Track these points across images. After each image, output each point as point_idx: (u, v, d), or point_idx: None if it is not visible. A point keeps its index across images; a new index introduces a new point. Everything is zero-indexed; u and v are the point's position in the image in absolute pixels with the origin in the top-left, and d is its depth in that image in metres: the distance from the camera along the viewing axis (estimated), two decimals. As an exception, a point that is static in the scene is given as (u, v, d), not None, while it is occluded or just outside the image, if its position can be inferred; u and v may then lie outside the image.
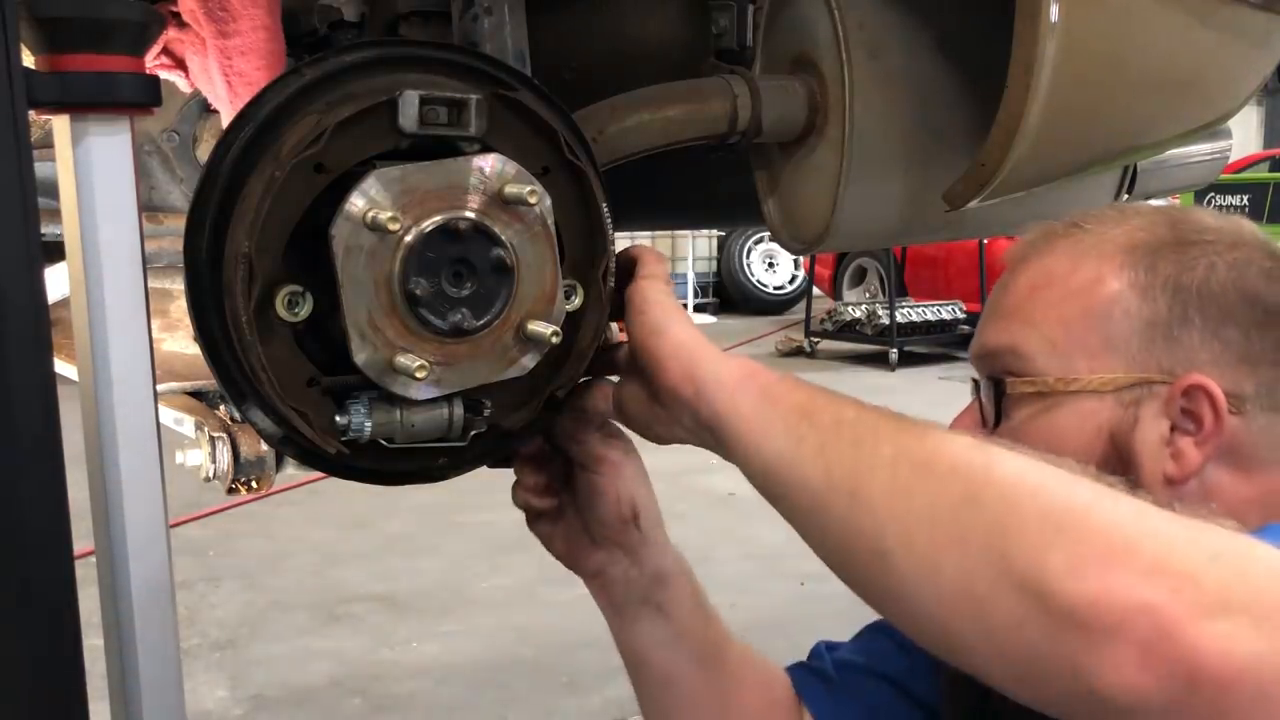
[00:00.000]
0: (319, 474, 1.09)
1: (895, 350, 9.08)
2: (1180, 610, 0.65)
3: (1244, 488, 0.96)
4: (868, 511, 0.77)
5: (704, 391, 0.88)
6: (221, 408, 1.89)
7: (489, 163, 0.89)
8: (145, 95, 0.96)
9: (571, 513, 1.11)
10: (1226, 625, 0.64)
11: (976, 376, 1.08)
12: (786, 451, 0.83)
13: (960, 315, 9.44)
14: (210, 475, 1.84)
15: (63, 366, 1.15)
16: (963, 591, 0.71)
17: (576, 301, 0.97)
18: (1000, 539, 0.70)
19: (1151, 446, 0.96)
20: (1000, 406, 1.02)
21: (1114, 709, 0.67)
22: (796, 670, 1.25)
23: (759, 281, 13.17)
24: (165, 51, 1.27)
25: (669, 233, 12.67)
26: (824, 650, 1.28)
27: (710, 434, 0.89)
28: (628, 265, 1.00)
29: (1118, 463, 0.96)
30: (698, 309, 12.80)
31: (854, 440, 0.80)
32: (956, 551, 0.72)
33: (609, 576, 1.12)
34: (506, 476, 1.09)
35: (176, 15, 1.21)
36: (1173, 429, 0.96)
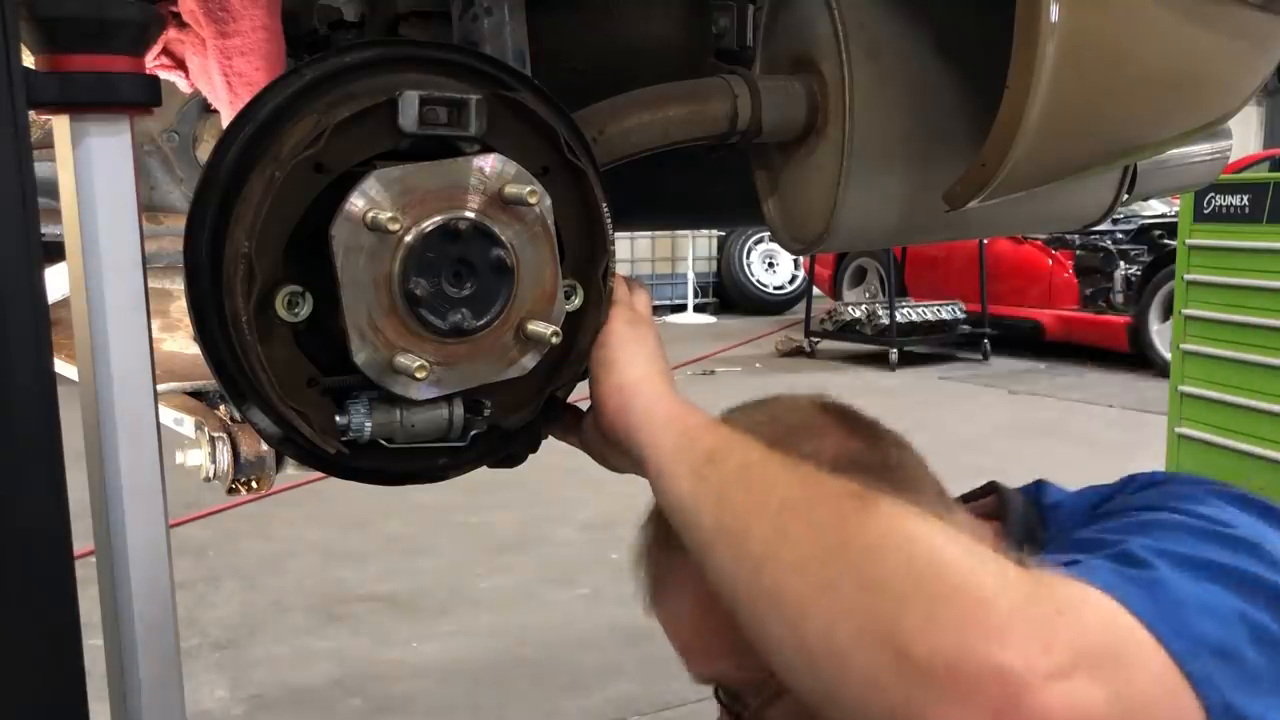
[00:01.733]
0: (319, 474, 1.09)
1: (895, 350, 9.07)
2: (1030, 675, 0.67)
3: None
4: (748, 556, 0.80)
5: (632, 433, 0.93)
6: (221, 408, 1.89)
7: (489, 163, 0.89)
8: (145, 95, 0.96)
9: None
10: (1071, 685, 0.67)
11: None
12: (689, 492, 0.86)
13: (960, 315, 9.44)
14: (210, 475, 1.84)
15: (63, 366, 1.15)
16: (825, 642, 0.73)
17: (576, 301, 0.98)
18: (863, 593, 0.72)
19: None
20: None
21: None
22: None
23: (759, 281, 13.16)
24: (165, 51, 1.27)
25: (669, 233, 12.67)
26: None
27: (641, 471, 0.93)
28: None
29: None
30: (698, 309, 12.79)
31: (748, 487, 0.83)
32: (823, 602, 0.74)
33: None
34: (506, 476, 1.09)
35: (176, 15, 1.21)
36: None
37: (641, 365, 0.96)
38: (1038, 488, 1.07)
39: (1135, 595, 0.73)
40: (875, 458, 1.02)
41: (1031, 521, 1.02)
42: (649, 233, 11.72)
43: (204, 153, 1.98)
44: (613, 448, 0.97)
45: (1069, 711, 0.67)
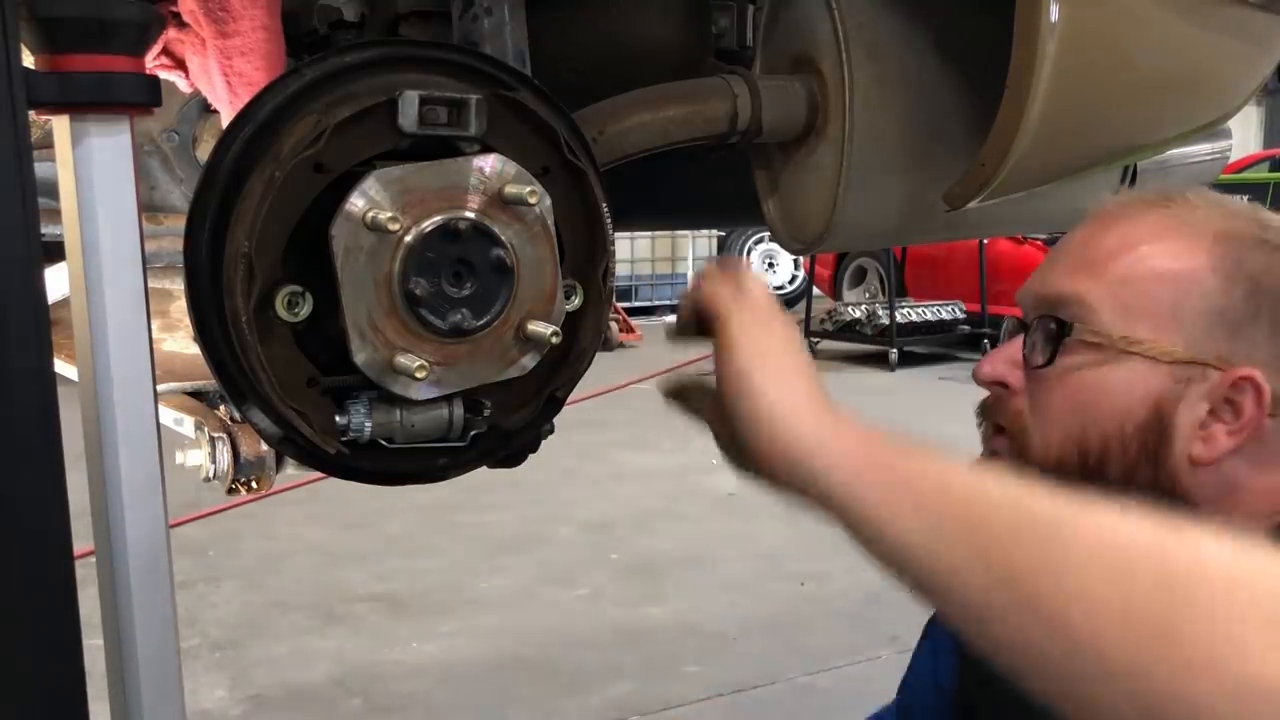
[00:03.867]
0: (319, 474, 1.09)
1: (895, 350, 9.07)
2: None
3: (1260, 480, 0.99)
4: (1048, 604, 0.68)
5: (798, 468, 0.80)
6: (221, 408, 1.89)
7: (489, 163, 0.89)
8: (145, 95, 0.96)
9: None
10: None
11: (1024, 317, 1.06)
12: (922, 535, 0.74)
13: (960, 315, 9.44)
14: (210, 475, 1.83)
15: (63, 366, 1.15)
16: (1177, 696, 0.63)
17: (576, 301, 0.98)
18: (1223, 644, 0.63)
19: (1188, 425, 0.98)
20: (1055, 348, 1.01)
21: None
22: None
23: (759, 281, 13.16)
24: (165, 51, 1.27)
25: (669, 233, 12.67)
26: None
27: (814, 506, 0.80)
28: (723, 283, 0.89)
29: (1152, 431, 0.98)
30: (698, 309, 12.77)
31: (1011, 526, 0.71)
32: (1162, 651, 0.64)
33: None
34: (506, 476, 1.09)
35: (176, 15, 1.21)
36: (1210, 413, 0.98)
37: (782, 383, 0.83)
38: None
39: None
40: (1248, 310, 0.99)
41: None
42: (649, 233, 11.72)
43: (204, 153, 1.98)
44: (756, 466, 0.85)
45: None
